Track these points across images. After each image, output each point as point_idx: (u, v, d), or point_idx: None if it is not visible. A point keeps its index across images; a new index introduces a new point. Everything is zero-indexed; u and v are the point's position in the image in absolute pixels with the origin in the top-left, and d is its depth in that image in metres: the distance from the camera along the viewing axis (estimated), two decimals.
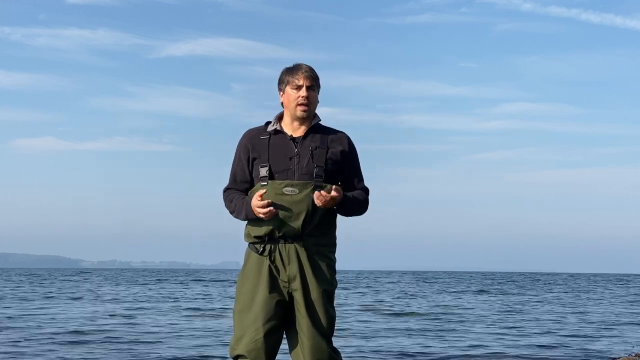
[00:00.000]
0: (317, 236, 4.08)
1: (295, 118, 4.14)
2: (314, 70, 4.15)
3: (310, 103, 4.11)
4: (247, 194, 4.15)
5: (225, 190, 4.24)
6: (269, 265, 4.07)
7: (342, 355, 4.21)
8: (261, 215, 3.98)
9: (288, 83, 4.13)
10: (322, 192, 3.94)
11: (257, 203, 3.97)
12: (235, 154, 4.22)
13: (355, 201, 4.13)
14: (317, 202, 3.96)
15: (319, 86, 4.18)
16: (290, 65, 4.17)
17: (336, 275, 4.18)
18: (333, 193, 3.95)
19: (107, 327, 13.87)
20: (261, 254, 4.09)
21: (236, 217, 4.16)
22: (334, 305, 4.15)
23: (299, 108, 4.10)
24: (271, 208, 3.96)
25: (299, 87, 4.10)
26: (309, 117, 4.15)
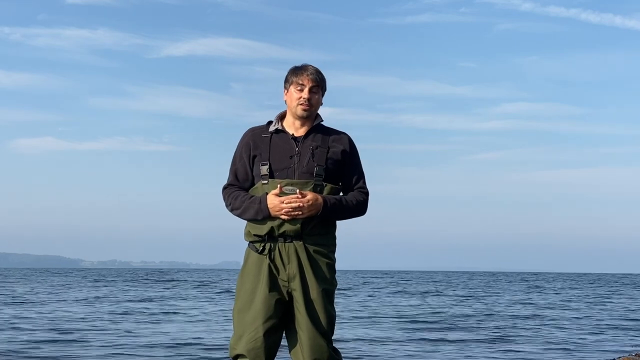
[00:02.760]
0: (317, 235, 4.07)
1: (296, 117, 4.15)
2: (320, 73, 4.16)
3: (311, 104, 4.12)
4: (248, 193, 4.15)
5: (226, 187, 4.22)
6: (269, 264, 4.06)
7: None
8: (282, 214, 3.96)
9: (292, 83, 4.14)
10: (284, 201, 3.94)
11: (278, 199, 3.95)
12: (236, 151, 4.22)
13: (344, 207, 4.10)
14: (284, 217, 3.97)
15: (323, 88, 4.18)
16: (298, 64, 4.18)
17: (336, 275, 4.18)
18: (307, 197, 3.95)
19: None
20: (261, 253, 4.08)
21: (240, 215, 4.12)
22: (334, 304, 4.16)
23: (300, 107, 4.11)
24: (299, 204, 3.95)
25: (302, 88, 4.11)
26: (310, 118, 4.16)
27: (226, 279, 51.49)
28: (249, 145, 4.16)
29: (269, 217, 4.01)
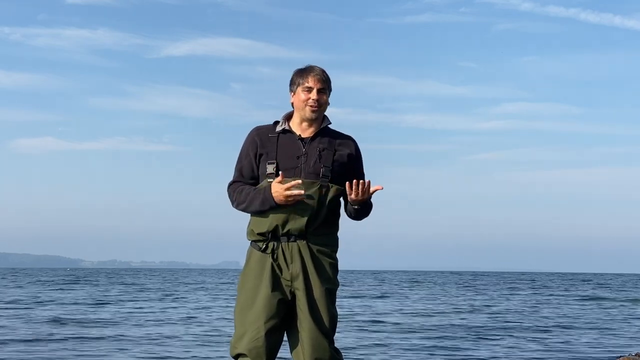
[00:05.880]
0: (321, 235, 4.09)
1: (304, 119, 4.15)
2: (325, 73, 4.16)
3: (320, 105, 4.13)
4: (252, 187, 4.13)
5: (231, 184, 4.22)
6: (272, 264, 4.07)
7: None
8: (289, 200, 3.95)
9: (299, 84, 4.14)
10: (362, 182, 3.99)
11: (282, 186, 3.94)
12: (243, 149, 4.22)
13: (370, 205, 4.18)
14: (353, 195, 3.99)
15: (330, 89, 4.19)
16: (301, 66, 4.18)
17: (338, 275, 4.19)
18: (375, 187, 4.02)
19: None
20: (264, 251, 4.09)
21: (245, 208, 4.11)
22: (336, 304, 4.16)
23: (309, 109, 4.12)
24: (301, 192, 3.95)
25: (309, 89, 4.12)
26: (319, 119, 4.17)
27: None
28: (255, 143, 4.16)
29: (276, 206, 3.99)
